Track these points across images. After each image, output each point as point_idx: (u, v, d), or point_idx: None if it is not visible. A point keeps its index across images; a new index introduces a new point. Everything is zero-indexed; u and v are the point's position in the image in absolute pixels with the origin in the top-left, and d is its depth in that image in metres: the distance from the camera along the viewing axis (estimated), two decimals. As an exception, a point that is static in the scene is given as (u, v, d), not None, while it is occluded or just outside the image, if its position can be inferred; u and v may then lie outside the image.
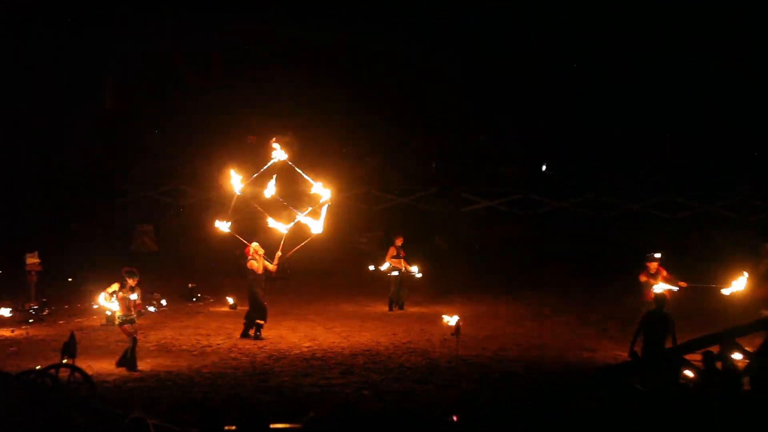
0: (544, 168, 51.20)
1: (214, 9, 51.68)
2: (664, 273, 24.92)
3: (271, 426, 11.45)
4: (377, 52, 53.10)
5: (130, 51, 51.12)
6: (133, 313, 23.39)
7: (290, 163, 27.05)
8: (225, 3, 52.11)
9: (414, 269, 31.81)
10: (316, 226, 26.68)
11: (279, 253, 27.11)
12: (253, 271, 26.91)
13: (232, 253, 30.89)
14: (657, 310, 21.68)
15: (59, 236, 39.06)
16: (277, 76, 51.96)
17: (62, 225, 42.02)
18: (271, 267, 27.14)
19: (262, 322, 26.72)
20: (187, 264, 37.81)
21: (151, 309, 25.01)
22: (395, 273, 31.53)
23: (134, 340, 23.22)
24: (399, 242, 32.02)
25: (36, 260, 30.66)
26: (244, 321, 26.99)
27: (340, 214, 33.57)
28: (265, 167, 26.89)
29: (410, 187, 48.33)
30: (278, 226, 26.59)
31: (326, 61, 53.67)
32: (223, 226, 26.82)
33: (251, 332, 26.62)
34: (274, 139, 27.26)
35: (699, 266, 31.40)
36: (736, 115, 51.46)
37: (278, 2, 52.64)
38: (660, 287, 24.04)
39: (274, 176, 26.95)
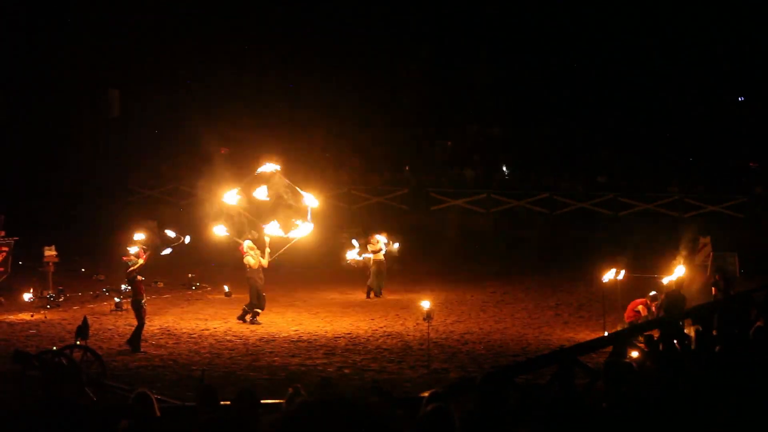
0: (504, 169, 51.12)
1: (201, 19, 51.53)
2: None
3: (262, 401, 11.38)
4: (357, 65, 53.03)
5: (132, 60, 50.92)
6: (145, 296, 23.55)
7: (282, 176, 27.12)
8: (213, 14, 51.92)
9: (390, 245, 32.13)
10: (305, 229, 26.83)
11: (268, 249, 27.15)
12: (249, 266, 26.93)
13: (231, 252, 30.67)
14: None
15: (73, 231, 38.82)
16: (265, 86, 51.87)
17: (76, 221, 41.76)
18: (264, 263, 27.12)
19: (260, 310, 26.69)
20: (187, 256, 37.65)
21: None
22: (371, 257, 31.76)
23: (142, 325, 23.22)
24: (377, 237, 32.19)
25: (53, 253, 30.66)
26: (243, 307, 26.93)
27: (323, 212, 33.46)
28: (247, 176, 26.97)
29: (385, 187, 48.28)
30: (276, 231, 26.72)
31: (312, 73, 53.55)
32: (219, 230, 26.86)
33: (247, 318, 26.55)
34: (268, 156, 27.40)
35: (641, 258, 31.50)
36: (673, 125, 51.66)
37: (262, 14, 52.45)
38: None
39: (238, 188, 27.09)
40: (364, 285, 31.89)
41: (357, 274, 32.87)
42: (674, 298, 22.70)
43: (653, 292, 24.42)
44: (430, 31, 54.37)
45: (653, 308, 24.07)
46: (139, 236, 24.40)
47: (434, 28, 54.34)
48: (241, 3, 52.68)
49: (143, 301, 23.45)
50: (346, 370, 21.03)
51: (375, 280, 31.72)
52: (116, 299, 25.31)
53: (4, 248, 30.43)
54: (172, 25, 50.37)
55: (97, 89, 51.39)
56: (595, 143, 51.13)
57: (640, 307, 24.09)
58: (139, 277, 23.57)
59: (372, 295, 31.50)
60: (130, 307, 24.09)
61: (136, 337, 22.98)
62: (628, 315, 23.91)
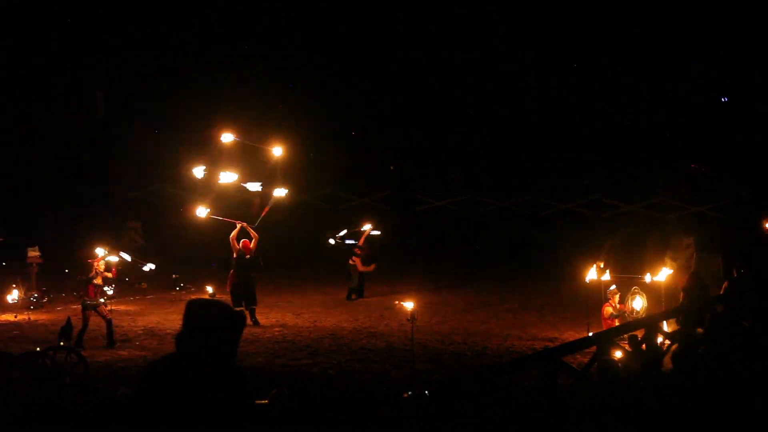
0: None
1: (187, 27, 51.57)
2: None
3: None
4: (342, 64, 53.14)
5: (119, 63, 50.93)
6: (96, 299, 23.52)
7: (238, 139, 27.16)
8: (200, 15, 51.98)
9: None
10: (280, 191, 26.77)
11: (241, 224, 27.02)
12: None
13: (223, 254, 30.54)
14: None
15: (57, 232, 38.73)
16: (248, 86, 51.80)
17: (60, 222, 41.65)
18: (254, 235, 26.97)
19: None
20: (171, 256, 37.63)
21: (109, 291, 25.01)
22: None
23: (85, 327, 23.22)
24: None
25: (36, 253, 30.65)
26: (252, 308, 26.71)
27: (307, 213, 33.57)
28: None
29: (370, 188, 48.25)
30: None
31: (294, 73, 53.61)
32: (201, 212, 26.67)
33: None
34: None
35: (625, 259, 31.52)
36: (657, 126, 51.82)
37: (247, 15, 52.51)
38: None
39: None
40: (347, 286, 31.91)
41: (341, 275, 32.85)
42: (698, 282, 22.93)
43: (612, 287, 24.50)
44: (416, 32, 54.39)
45: (616, 302, 24.21)
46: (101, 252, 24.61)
47: (419, 28, 54.38)
48: (229, 5, 52.73)
49: (91, 302, 23.47)
50: (330, 371, 20.99)
51: (356, 282, 31.72)
52: (101, 300, 25.20)
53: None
54: (158, 24, 50.38)
55: (84, 90, 51.33)
56: (580, 145, 51.23)
57: (607, 311, 24.20)
58: (96, 281, 23.66)
59: (354, 296, 31.50)
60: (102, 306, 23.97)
61: (79, 335, 23.02)
62: (605, 324, 23.92)
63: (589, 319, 24.69)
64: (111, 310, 24.58)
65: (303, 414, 10.76)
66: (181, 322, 6.82)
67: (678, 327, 17.82)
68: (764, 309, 17.97)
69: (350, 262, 31.98)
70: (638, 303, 24.59)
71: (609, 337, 16.79)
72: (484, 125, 53.61)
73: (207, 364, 6.68)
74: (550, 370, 13.57)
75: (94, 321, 24.20)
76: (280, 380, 19.17)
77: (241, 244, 26.84)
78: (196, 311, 6.91)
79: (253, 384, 6.98)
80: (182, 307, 21.03)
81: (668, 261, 27.12)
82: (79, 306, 25.63)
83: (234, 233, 26.94)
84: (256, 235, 26.94)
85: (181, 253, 37.89)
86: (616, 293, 24.37)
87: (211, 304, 7.14)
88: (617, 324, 22.86)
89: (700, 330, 16.69)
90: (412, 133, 53.52)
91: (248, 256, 26.95)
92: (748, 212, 42.04)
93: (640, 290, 24.92)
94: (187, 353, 6.72)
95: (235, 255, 26.90)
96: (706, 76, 52.19)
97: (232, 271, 27.01)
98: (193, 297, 29.75)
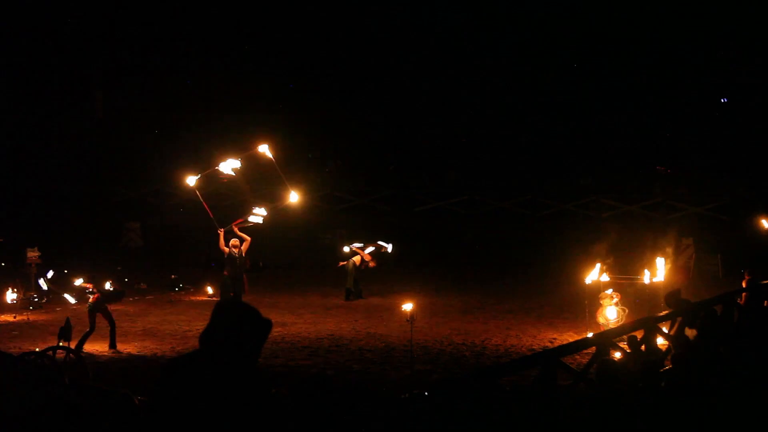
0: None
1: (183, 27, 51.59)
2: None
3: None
4: (341, 65, 53.18)
5: (119, 63, 50.98)
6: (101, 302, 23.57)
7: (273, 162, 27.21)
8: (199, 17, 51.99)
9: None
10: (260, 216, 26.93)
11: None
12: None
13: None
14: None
15: (56, 233, 38.74)
16: (247, 87, 51.78)
17: (59, 222, 41.67)
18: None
19: None
20: (170, 257, 37.63)
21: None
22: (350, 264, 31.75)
23: (92, 329, 23.23)
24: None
25: (36, 254, 30.58)
26: None
27: (305, 213, 33.52)
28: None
29: (368, 188, 48.22)
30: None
31: (294, 74, 53.62)
32: (191, 180, 26.79)
33: None
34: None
35: (624, 260, 31.50)
36: (657, 127, 51.83)
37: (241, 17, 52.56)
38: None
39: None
40: (344, 287, 31.91)
41: (341, 276, 32.84)
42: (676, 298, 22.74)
43: (608, 291, 24.56)
44: (414, 32, 54.38)
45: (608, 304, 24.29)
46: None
47: (417, 28, 54.37)
48: (226, 6, 52.71)
49: (95, 306, 23.47)
50: (329, 372, 20.97)
51: (352, 282, 31.69)
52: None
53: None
54: (157, 24, 50.39)
55: (82, 90, 51.32)
56: (579, 145, 51.23)
57: (601, 320, 24.23)
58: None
59: (351, 296, 31.47)
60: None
61: (83, 338, 22.96)
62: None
63: (588, 320, 24.72)
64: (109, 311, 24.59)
65: (301, 414, 10.72)
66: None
67: (675, 329, 17.82)
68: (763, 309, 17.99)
69: (341, 264, 32.04)
70: (612, 313, 24.58)
71: (608, 338, 16.80)
72: (483, 125, 53.56)
73: (227, 365, 6.72)
74: (549, 370, 13.55)
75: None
76: (279, 381, 19.16)
77: (230, 243, 27.00)
78: (225, 312, 6.95)
79: (270, 388, 7.04)
80: (181, 308, 21.19)
81: (667, 259, 27.05)
82: (77, 307, 25.67)
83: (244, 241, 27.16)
84: (248, 237, 27.14)
85: (180, 253, 37.88)
86: (605, 297, 24.43)
87: (240, 307, 7.16)
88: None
89: (689, 330, 16.71)
90: (410, 132, 53.49)
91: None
92: (747, 212, 42.05)
93: (614, 297, 24.89)
94: (210, 352, 6.77)
95: (244, 254, 27.11)
96: (704, 75, 52.17)
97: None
98: (192, 298, 29.86)
